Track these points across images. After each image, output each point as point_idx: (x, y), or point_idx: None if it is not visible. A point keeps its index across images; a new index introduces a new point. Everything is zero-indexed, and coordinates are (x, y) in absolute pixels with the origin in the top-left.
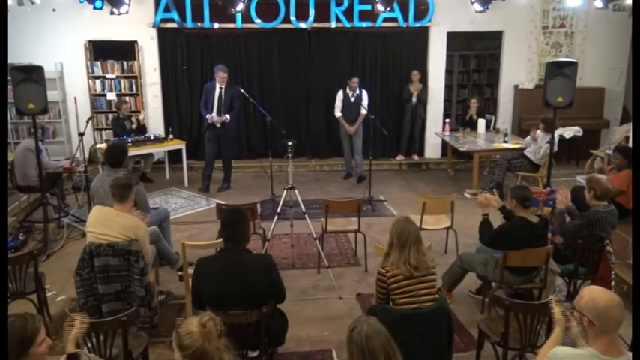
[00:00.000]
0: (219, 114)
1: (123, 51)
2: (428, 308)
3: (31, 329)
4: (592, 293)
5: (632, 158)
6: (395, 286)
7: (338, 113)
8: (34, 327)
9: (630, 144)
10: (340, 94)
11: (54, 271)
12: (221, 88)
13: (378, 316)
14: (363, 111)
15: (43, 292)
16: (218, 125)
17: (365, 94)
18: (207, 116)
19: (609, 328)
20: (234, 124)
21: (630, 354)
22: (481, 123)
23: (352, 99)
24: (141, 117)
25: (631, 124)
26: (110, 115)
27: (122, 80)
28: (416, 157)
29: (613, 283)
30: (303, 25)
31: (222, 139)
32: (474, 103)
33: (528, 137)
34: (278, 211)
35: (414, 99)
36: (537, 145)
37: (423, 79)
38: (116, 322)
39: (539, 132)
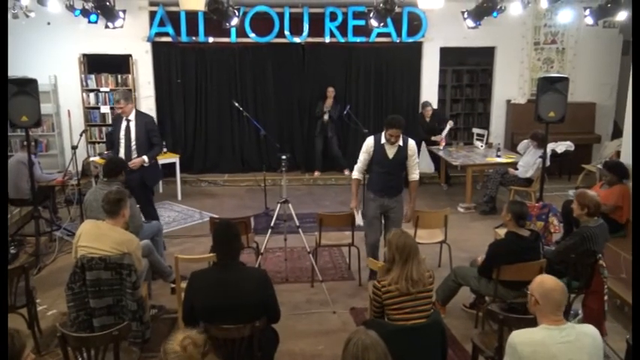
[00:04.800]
0: (127, 155)
1: (117, 64)
2: (422, 323)
3: (19, 345)
4: (542, 277)
5: (632, 169)
6: (390, 302)
7: (355, 174)
8: (21, 343)
9: (622, 158)
10: (369, 141)
11: (45, 285)
12: (128, 120)
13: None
14: (415, 175)
15: (34, 307)
16: (133, 167)
17: (412, 144)
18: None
19: (551, 308)
20: (157, 171)
21: (571, 324)
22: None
23: (391, 155)
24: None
25: (622, 139)
26: (104, 129)
27: (116, 93)
28: (347, 172)
29: (606, 297)
30: (297, 40)
31: (137, 192)
32: (428, 111)
33: (524, 141)
34: (272, 224)
35: (326, 116)
36: (528, 160)
37: (415, 93)
38: (108, 337)
39: (531, 146)
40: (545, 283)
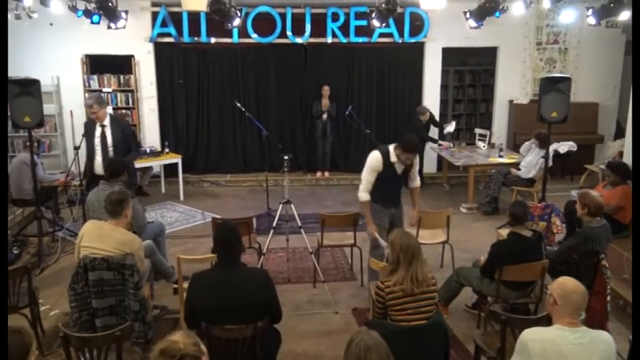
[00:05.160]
0: (105, 161)
1: (119, 65)
2: (424, 324)
3: (27, 342)
4: (564, 279)
5: (633, 169)
6: (393, 303)
7: (365, 196)
8: (29, 341)
9: (624, 159)
10: (377, 158)
11: (48, 286)
12: (103, 126)
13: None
14: (417, 182)
15: (37, 307)
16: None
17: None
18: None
19: (569, 310)
20: (136, 177)
21: (585, 328)
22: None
23: (400, 171)
24: None
25: (625, 139)
26: None
27: (119, 94)
28: (327, 174)
29: (609, 298)
30: (299, 40)
31: None
32: (426, 115)
33: (526, 143)
34: (274, 225)
35: (325, 116)
36: (531, 160)
37: (417, 94)
38: (110, 337)
39: (534, 146)
40: (566, 284)
